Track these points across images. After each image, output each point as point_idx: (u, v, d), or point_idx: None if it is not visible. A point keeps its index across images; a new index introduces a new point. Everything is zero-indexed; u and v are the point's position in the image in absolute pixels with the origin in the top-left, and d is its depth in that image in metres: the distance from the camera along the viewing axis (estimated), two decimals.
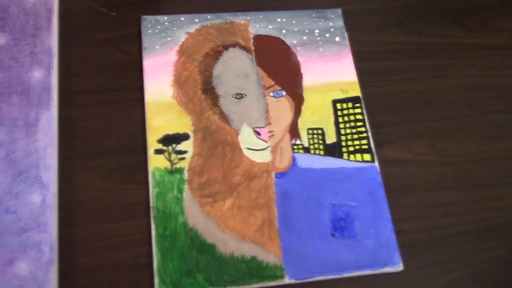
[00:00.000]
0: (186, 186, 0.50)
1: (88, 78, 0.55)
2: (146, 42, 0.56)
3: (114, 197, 0.50)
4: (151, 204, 0.49)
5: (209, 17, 0.58)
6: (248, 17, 0.58)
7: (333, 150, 0.53)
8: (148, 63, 0.55)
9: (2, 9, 0.56)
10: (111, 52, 0.57)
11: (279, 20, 0.59)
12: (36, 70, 0.53)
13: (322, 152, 0.53)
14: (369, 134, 0.55)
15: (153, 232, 0.48)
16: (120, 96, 0.55)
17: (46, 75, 0.53)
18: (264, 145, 0.53)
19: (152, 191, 0.49)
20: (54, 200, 0.48)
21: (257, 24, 0.58)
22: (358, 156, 0.53)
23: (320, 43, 0.58)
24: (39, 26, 0.55)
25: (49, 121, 0.51)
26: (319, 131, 0.54)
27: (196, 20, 0.58)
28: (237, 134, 0.53)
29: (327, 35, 0.59)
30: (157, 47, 0.56)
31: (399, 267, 0.49)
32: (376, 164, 0.53)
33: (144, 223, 0.49)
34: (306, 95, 0.55)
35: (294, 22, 0.59)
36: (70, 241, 0.48)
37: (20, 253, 0.46)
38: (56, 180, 0.49)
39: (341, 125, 0.55)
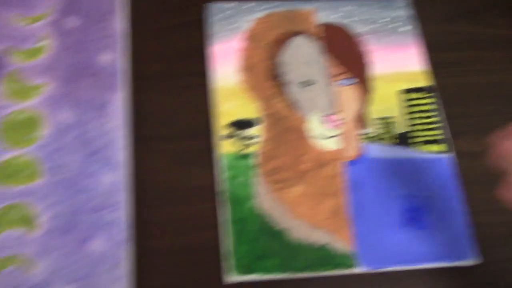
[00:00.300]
0: (256, 171, 0.50)
1: (155, 63, 0.55)
2: (212, 29, 0.56)
3: (184, 180, 0.50)
4: (221, 188, 0.49)
5: (275, 4, 0.58)
6: (315, 5, 0.58)
7: (404, 140, 0.52)
8: (215, 49, 0.55)
9: None
10: (177, 37, 0.56)
11: (346, 8, 0.58)
12: (105, 54, 0.54)
13: (392, 142, 0.52)
14: (441, 124, 0.53)
15: (224, 216, 0.48)
16: (187, 81, 0.54)
17: (115, 58, 0.53)
18: (333, 133, 0.52)
19: (222, 175, 0.49)
20: (126, 181, 0.49)
21: (324, 12, 0.58)
22: (429, 146, 0.52)
23: (388, 32, 0.57)
24: (109, 10, 0.56)
25: (119, 103, 0.52)
26: (389, 120, 0.53)
27: (263, 7, 0.57)
28: (305, 121, 0.52)
29: (396, 24, 0.58)
30: (223, 33, 0.56)
31: (474, 260, 0.48)
32: (448, 155, 0.52)
33: (214, 207, 0.49)
34: (374, 84, 0.55)
35: (361, 10, 0.58)
36: (141, 222, 0.48)
37: (94, 232, 0.46)
38: (127, 162, 0.49)
39: (411, 115, 0.54)
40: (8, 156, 0.48)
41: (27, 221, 0.46)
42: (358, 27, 0.57)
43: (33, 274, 0.44)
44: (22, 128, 0.50)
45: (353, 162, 0.51)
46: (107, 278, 0.45)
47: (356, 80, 0.55)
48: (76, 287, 0.44)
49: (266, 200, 0.49)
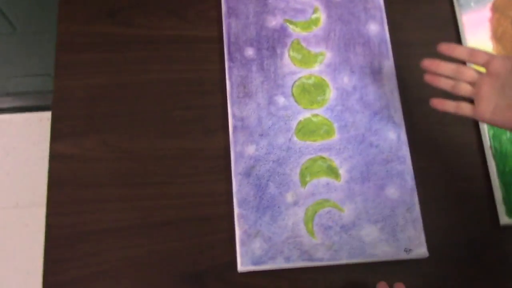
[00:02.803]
0: None
1: (412, 32, 0.61)
2: (459, 0, 0.61)
3: (449, 138, 0.58)
4: (487, 144, 0.56)
5: None
6: None
7: None
8: (466, 18, 0.60)
9: None
10: (427, 9, 0.62)
11: None
12: (371, 24, 0.60)
13: None
14: None
15: (493, 169, 0.55)
16: None
17: (381, 28, 0.60)
18: None
19: (488, 132, 0.56)
20: (406, 137, 0.56)
21: None
22: None
23: None
24: None
25: (390, 69, 0.59)
26: None
27: None
28: None
29: None
30: (472, 4, 0.61)
31: None
32: None
33: (478, 161, 0.57)
34: None
35: None
36: (419, 172, 0.56)
37: (388, 180, 0.55)
38: (403, 120, 0.57)
39: None
40: (305, 115, 0.57)
41: (331, 172, 0.55)
42: None
43: (343, 215, 0.53)
44: (312, 92, 0.58)
45: None
46: (405, 219, 0.53)
47: None
48: (380, 226, 0.53)
49: None
